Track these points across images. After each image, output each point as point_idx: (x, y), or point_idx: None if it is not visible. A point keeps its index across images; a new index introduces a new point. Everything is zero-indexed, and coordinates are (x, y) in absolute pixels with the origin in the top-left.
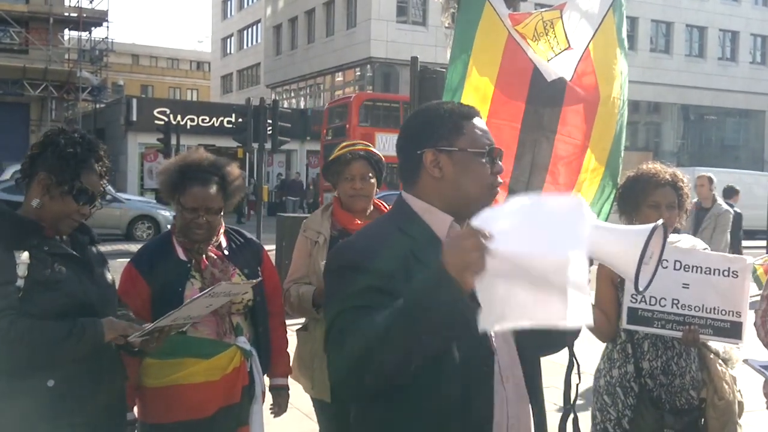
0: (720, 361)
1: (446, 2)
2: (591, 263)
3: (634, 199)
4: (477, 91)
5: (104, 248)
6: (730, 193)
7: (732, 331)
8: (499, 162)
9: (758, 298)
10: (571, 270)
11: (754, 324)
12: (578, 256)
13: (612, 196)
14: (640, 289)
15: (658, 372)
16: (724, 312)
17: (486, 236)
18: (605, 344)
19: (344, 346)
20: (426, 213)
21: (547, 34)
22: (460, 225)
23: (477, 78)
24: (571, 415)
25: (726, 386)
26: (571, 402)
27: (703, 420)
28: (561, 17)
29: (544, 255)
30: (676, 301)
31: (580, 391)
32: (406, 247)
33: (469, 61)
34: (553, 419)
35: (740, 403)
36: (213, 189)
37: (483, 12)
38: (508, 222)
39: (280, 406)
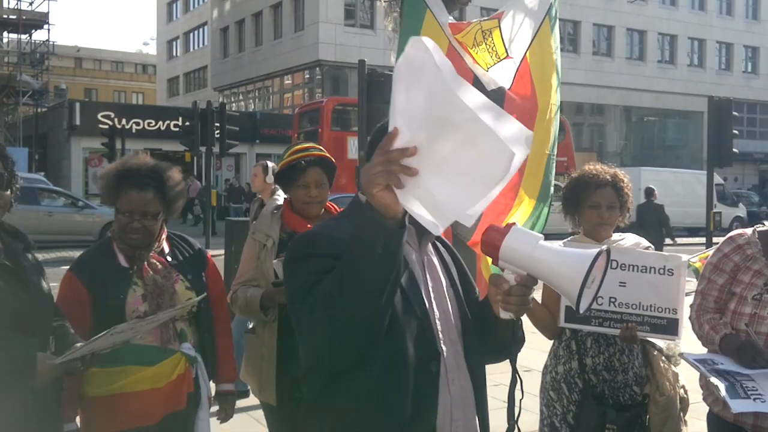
0: (663, 357)
1: (389, 7)
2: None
3: (575, 200)
4: None
5: (48, 255)
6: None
7: (669, 327)
8: None
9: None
10: (465, 96)
11: (690, 318)
12: (457, 80)
13: (549, 199)
14: (581, 311)
15: (601, 368)
16: (660, 309)
17: (393, 135)
18: (552, 341)
19: (311, 314)
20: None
21: (486, 43)
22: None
23: None
24: (515, 430)
25: (667, 383)
26: (515, 418)
27: (648, 416)
28: (499, 26)
29: (434, 98)
30: (613, 300)
31: (528, 388)
32: None
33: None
34: (502, 416)
35: (683, 399)
36: (149, 194)
37: (425, 19)
38: (396, 110)
39: (226, 412)
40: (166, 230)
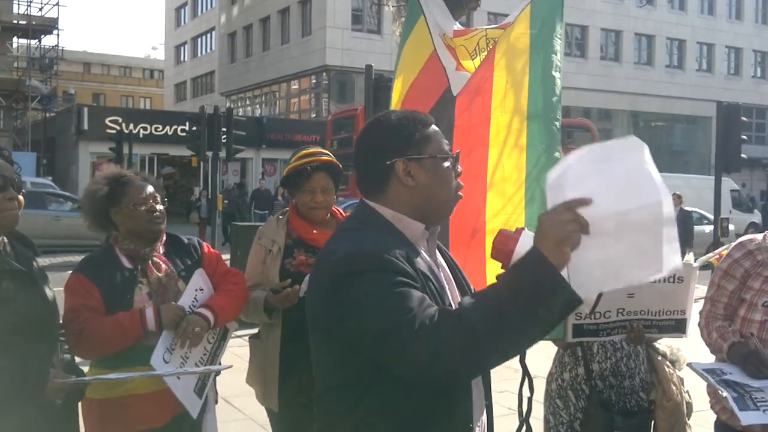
0: (668, 362)
1: (397, 12)
2: None
3: None
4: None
5: (55, 260)
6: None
7: (676, 327)
8: (459, 166)
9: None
10: (666, 212)
11: (699, 325)
12: (667, 197)
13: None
14: (595, 310)
15: (608, 373)
16: (669, 312)
17: (586, 202)
18: (557, 348)
19: (440, 337)
20: (396, 221)
21: (488, 51)
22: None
23: (396, 91)
24: (524, 428)
25: (674, 388)
26: (524, 415)
27: (653, 422)
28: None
29: (640, 206)
30: (621, 310)
31: (533, 396)
32: (402, 253)
33: (395, 73)
34: (506, 423)
35: (689, 404)
36: (146, 181)
37: (416, 25)
38: (585, 186)
39: (183, 330)
40: (164, 232)
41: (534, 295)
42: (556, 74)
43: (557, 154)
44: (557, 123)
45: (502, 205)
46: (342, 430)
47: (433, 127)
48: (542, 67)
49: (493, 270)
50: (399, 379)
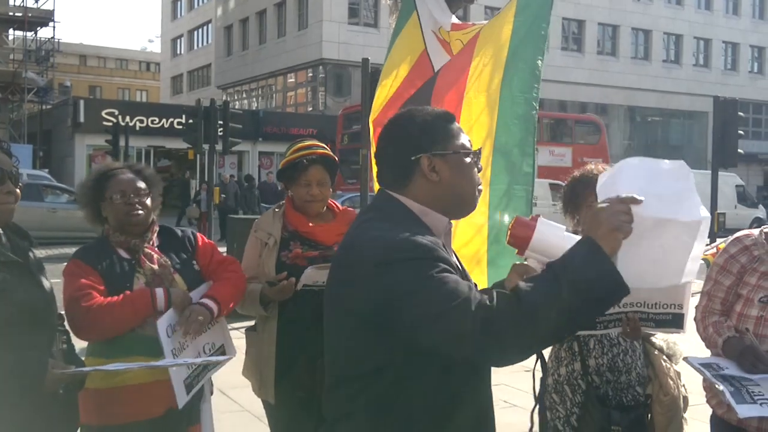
0: (664, 356)
1: (394, 5)
2: None
3: (575, 200)
4: (378, 99)
5: (51, 251)
6: None
7: (674, 321)
8: (480, 162)
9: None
10: (701, 232)
11: (695, 320)
12: (707, 219)
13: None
14: None
15: (605, 369)
16: (666, 306)
17: (637, 201)
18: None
19: (502, 318)
20: (423, 215)
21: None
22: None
23: (384, 88)
24: (537, 406)
25: (671, 382)
26: (537, 393)
27: (650, 416)
28: None
29: (681, 219)
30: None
31: (529, 389)
32: (439, 242)
33: (384, 66)
34: (502, 416)
35: (685, 398)
36: (132, 175)
37: (408, 21)
38: (635, 188)
39: (187, 320)
40: (157, 224)
41: (589, 279)
42: (539, 63)
43: (517, 188)
44: (534, 115)
45: (472, 236)
46: (358, 419)
47: (456, 123)
48: (525, 56)
49: None
50: (432, 364)
